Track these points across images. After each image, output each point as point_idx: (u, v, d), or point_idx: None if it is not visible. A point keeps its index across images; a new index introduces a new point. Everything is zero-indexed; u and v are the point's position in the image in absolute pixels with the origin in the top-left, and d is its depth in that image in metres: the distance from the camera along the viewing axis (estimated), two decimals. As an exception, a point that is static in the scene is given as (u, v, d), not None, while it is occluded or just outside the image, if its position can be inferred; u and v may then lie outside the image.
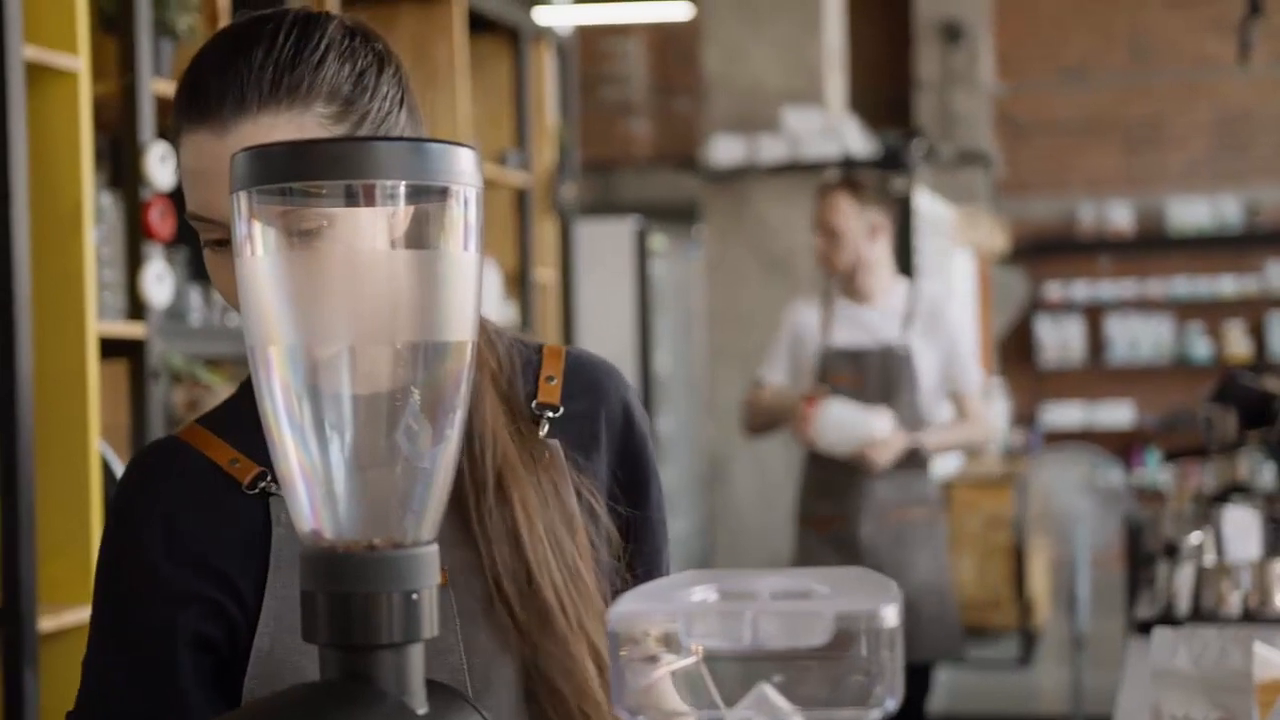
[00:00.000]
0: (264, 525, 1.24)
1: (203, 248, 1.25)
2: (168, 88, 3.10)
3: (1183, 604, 2.80)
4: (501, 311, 4.69)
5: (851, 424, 4.07)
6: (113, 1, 3.02)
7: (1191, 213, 10.50)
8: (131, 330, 3.00)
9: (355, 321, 0.89)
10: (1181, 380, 10.49)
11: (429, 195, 0.89)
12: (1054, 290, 10.70)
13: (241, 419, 1.23)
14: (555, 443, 1.30)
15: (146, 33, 3.01)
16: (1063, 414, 10.68)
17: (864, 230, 4.12)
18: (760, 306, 6.16)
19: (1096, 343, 10.73)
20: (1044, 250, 10.69)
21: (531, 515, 1.26)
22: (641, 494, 1.36)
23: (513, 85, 4.96)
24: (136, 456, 1.31)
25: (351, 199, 0.88)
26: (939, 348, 4.17)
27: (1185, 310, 10.57)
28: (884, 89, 10.26)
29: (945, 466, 7.97)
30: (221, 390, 3.31)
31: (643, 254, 6.55)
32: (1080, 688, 6.06)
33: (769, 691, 0.76)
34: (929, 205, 7.95)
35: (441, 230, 0.89)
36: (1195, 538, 2.99)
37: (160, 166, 3.03)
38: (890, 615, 0.73)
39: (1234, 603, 2.77)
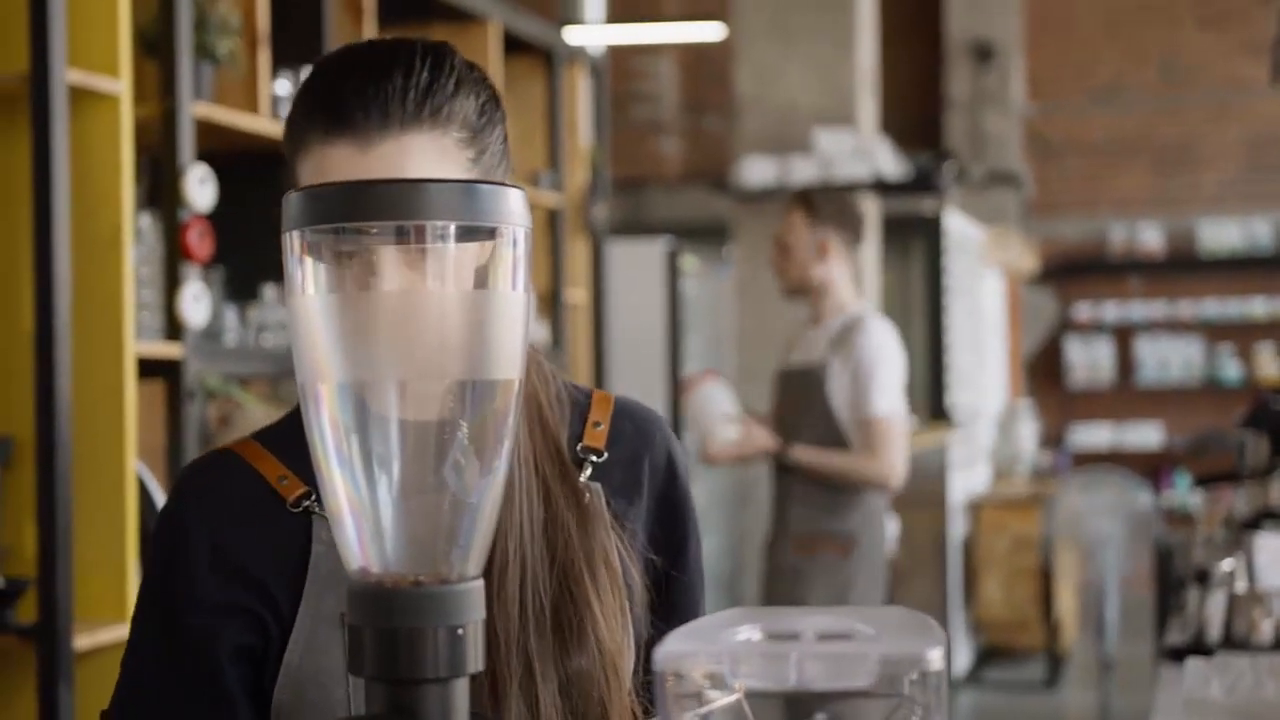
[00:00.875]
0: (305, 543, 1.26)
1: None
2: (208, 110, 3.13)
3: (1214, 631, 2.79)
4: (534, 332, 4.71)
5: (705, 410, 4.11)
6: (154, 26, 3.05)
7: (1222, 234, 10.46)
8: (169, 350, 3.03)
9: (405, 360, 0.90)
10: (1211, 402, 10.44)
11: (478, 235, 0.91)
12: (1083, 311, 10.67)
13: (297, 437, 1.25)
14: (597, 486, 1.32)
15: (187, 56, 3.04)
16: (1091, 435, 10.64)
17: (812, 247, 4.05)
18: (790, 327, 6.15)
19: (1126, 364, 10.69)
20: (1074, 271, 10.66)
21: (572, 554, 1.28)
22: (680, 551, 1.38)
23: (546, 106, 4.98)
24: (189, 466, 1.34)
25: (403, 239, 0.90)
26: (847, 368, 4.00)
27: (1215, 331, 10.53)
28: (915, 109, 10.26)
29: (971, 485, 7.96)
30: (253, 408, 3.33)
31: (673, 274, 6.56)
32: (1108, 712, 6.03)
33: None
34: (959, 226, 7.94)
35: (491, 270, 0.91)
36: (1228, 564, 2.98)
37: (199, 188, 3.06)
38: (935, 658, 0.74)
39: (1266, 631, 2.76)
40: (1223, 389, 10.42)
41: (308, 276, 0.91)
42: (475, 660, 0.90)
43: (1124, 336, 10.67)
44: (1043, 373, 10.75)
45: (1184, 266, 10.52)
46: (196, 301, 3.06)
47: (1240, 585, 2.93)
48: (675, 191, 9.92)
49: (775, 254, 4.17)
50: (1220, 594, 2.87)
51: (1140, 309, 10.59)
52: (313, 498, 1.26)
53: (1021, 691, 7.26)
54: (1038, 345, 10.62)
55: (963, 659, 7.37)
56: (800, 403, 4.07)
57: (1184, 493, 10.11)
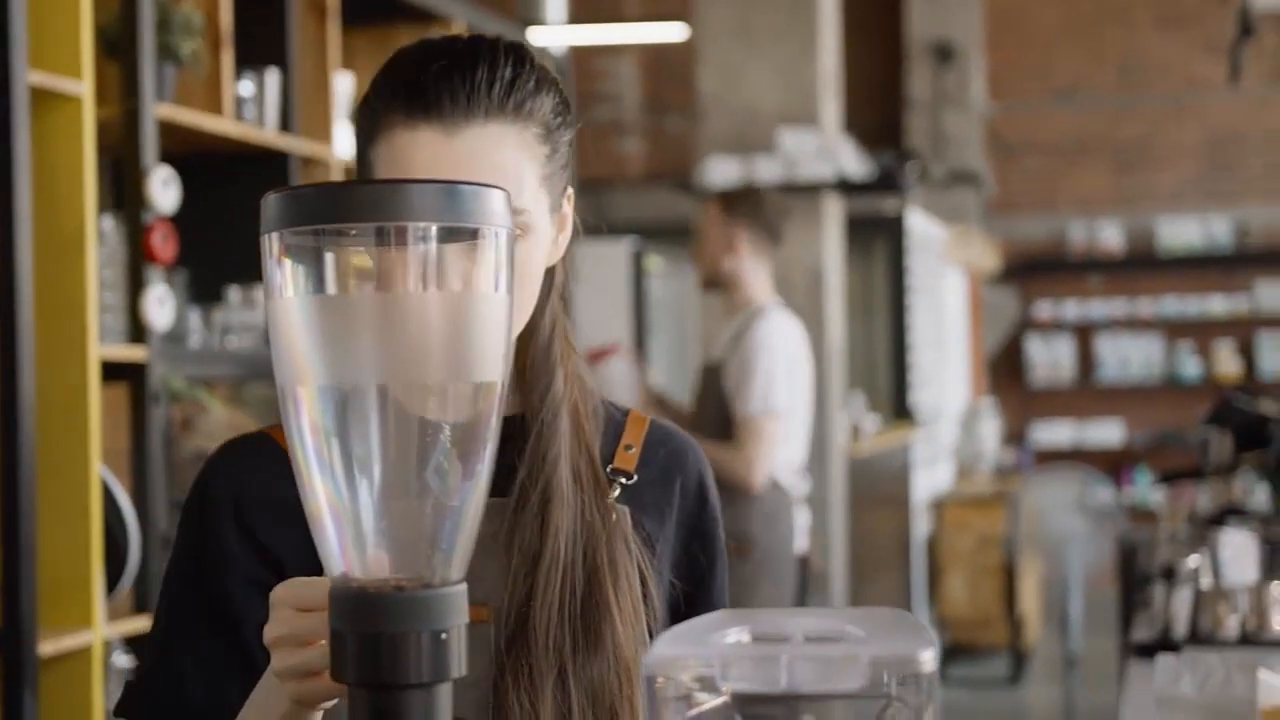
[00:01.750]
0: None
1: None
2: (171, 112, 3.10)
3: (1180, 627, 2.81)
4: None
5: (603, 388, 4.17)
6: (116, 26, 3.02)
7: (1181, 232, 10.53)
8: (132, 353, 3.00)
9: (386, 362, 0.89)
10: (1171, 399, 10.51)
11: (460, 236, 0.90)
12: (1044, 309, 10.72)
13: None
14: (624, 508, 1.32)
15: (149, 58, 3.02)
16: (1053, 433, 10.70)
17: (722, 241, 4.09)
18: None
19: (1086, 362, 10.75)
20: (1034, 269, 10.71)
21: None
22: (705, 576, 1.38)
23: (509, 106, 4.97)
24: (224, 444, 1.34)
25: (383, 240, 0.89)
26: (736, 363, 3.98)
27: (1175, 329, 10.60)
28: (876, 110, 10.28)
29: (934, 483, 7.99)
30: (218, 411, 3.30)
31: (638, 274, 6.55)
32: (1072, 708, 6.06)
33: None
34: (921, 225, 7.97)
35: (472, 271, 0.90)
36: (1193, 560, 3.00)
37: (163, 190, 3.03)
38: (927, 660, 0.73)
39: (1232, 626, 2.78)
40: (1182, 386, 10.49)
41: (287, 279, 0.90)
42: (459, 665, 0.90)
43: (1084, 335, 10.73)
44: (1004, 371, 10.80)
45: (1143, 265, 10.58)
46: (160, 304, 3.04)
47: (1205, 581, 2.95)
48: (639, 192, 9.92)
49: (693, 246, 4.30)
50: (1186, 590, 2.88)
51: (1100, 307, 10.65)
52: None
53: (986, 688, 7.29)
54: (999, 344, 10.67)
55: (927, 657, 7.38)
56: (706, 397, 4.09)
57: (1145, 489, 10.17)
